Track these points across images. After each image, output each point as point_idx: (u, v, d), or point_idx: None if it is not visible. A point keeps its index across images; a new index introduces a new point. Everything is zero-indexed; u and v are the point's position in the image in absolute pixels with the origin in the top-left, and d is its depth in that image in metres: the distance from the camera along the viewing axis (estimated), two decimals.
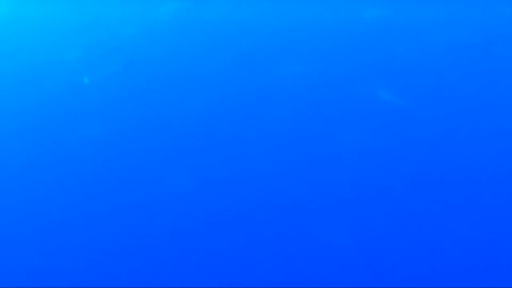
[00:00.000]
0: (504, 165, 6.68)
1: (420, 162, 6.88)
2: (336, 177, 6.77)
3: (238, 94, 7.86)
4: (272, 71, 8.12)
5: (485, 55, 7.99)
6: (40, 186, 6.88)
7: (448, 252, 5.84)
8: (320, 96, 7.73)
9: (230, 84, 8.02)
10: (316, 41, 8.51)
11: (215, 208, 6.56)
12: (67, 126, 7.56)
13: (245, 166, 6.99)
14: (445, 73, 7.81)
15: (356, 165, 6.91)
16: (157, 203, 6.71)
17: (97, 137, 7.39)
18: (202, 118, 7.55)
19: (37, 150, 7.36)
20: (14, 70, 8.26)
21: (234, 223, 6.35)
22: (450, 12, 8.59)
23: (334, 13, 8.82)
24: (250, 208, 6.52)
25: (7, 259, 6.20)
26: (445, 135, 7.12)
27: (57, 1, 9.01)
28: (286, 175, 6.86)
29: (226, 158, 7.10)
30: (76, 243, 6.36)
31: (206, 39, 8.59)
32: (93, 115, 7.61)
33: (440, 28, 8.41)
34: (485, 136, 7.04)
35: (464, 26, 8.32)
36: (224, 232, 6.27)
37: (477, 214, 6.20)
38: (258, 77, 8.09)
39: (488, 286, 5.38)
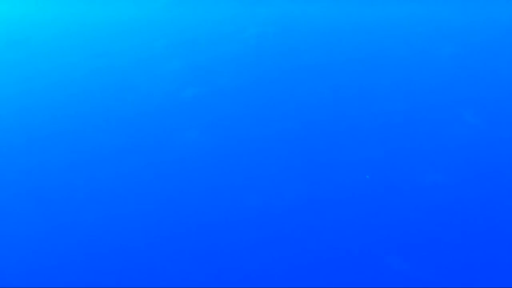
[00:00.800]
0: None
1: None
2: (422, 203, 7.17)
3: (327, 121, 8.40)
4: (359, 108, 8.69)
5: None
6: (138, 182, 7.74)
7: None
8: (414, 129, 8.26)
9: (318, 109, 8.58)
10: (404, 78, 9.23)
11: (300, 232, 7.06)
12: (163, 132, 8.39)
13: (334, 195, 7.50)
14: None
15: (442, 197, 7.27)
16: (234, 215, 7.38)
17: (190, 144, 8.12)
18: (291, 141, 8.13)
19: (132, 155, 8.21)
20: (116, 76, 9.41)
21: (304, 260, 6.83)
22: None
23: (412, 53, 9.59)
24: (329, 238, 7.01)
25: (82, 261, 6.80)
26: None
27: (158, 21, 10.25)
28: (368, 208, 7.30)
29: (313, 187, 7.66)
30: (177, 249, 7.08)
31: (291, 63, 9.32)
32: (189, 123, 8.43)
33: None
34: None
35: None
36: (300, 272, 6.74)
37: None
38: (343, 111, 8.63)
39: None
